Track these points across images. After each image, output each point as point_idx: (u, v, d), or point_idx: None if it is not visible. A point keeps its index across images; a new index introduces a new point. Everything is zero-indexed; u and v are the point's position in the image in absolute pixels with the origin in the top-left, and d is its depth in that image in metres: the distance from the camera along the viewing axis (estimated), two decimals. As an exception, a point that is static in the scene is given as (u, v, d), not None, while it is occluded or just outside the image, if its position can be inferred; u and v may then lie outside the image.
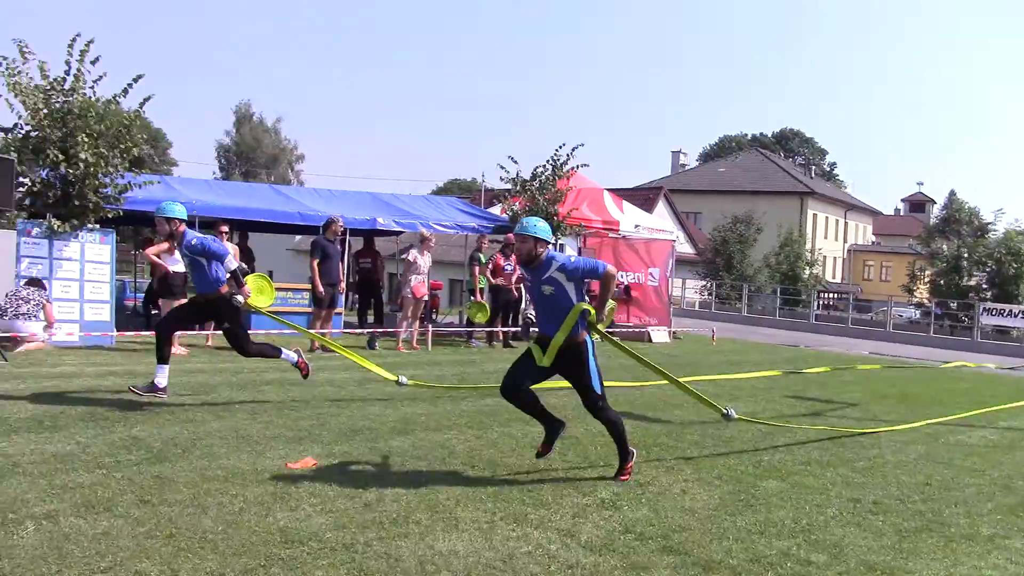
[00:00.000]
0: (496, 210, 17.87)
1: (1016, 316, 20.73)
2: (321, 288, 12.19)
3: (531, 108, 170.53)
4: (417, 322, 13.79)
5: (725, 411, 6.80)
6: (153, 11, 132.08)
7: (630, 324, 18.41)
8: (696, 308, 34.17)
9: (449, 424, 7.37)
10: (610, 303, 6.33)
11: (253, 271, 11.59)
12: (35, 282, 10.79)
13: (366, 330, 13.72)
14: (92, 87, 11.39)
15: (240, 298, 7.57)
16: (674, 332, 18.77)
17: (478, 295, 14.91)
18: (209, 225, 12.07)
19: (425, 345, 13.73)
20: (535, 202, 16.25)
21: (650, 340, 17.37)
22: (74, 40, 11.23)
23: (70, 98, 11.19)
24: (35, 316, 10.43)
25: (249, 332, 11.69)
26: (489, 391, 8.71)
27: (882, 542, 4.86)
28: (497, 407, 8.37)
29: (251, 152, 73.94)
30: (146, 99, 11.87)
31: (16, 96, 10.91)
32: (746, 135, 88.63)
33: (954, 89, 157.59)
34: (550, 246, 5.93)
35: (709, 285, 35.87)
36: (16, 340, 10.21)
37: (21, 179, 11.02)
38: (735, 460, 6.70)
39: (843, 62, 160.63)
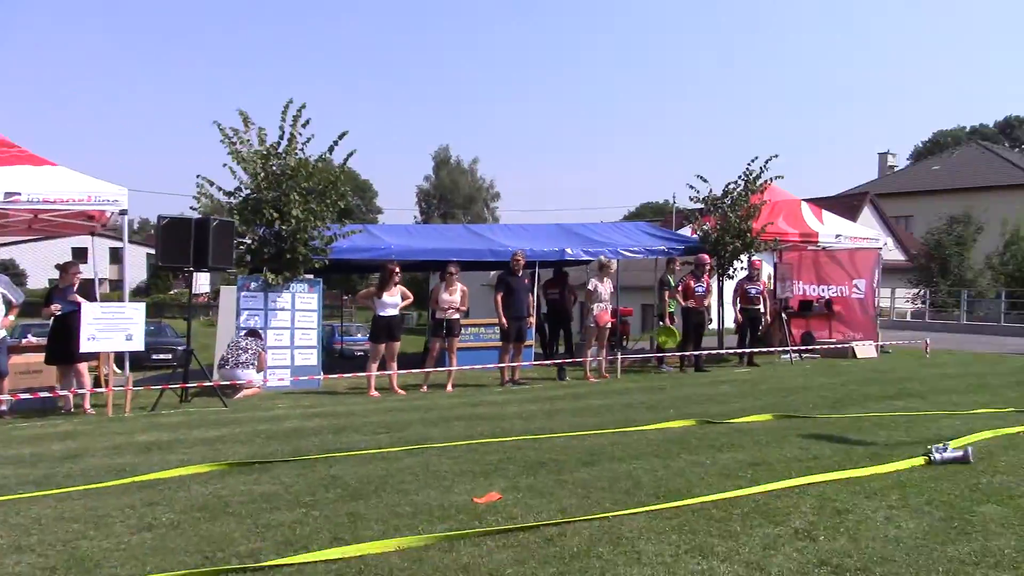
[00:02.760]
0: (686, 231, 17.59)
1: None
2: (505, 321, 12.44)
3: (722, 123, 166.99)
4: (605, 349, 13.75)
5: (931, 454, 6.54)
6: (356, 62, 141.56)
7: (832, 340, 17.44)
8: (908, 319, 31.82)
9: (636, 454, 7.26)
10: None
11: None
12: (253, 332, 11.76)
13: (555, 361, 13.85)
14: (303, 148, 12.36)
15: None
16: (882, 346, 17.55)
17: (667, 319, 14.68)
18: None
19: (615, 373, 13.65)
20: (727, 220, 15.85)
21: (855, 356, 16.34)
22: (287, 105, 12.26)
23: (284, 160, 12.18)
24: (252, 364, 11.36)
25: (452, 368, 12.21)
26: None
27: (1125, 576, 4.27)
28: (685, 434, 8.18)
29: (449, 194, 77.20)
30: (350, 154, 12.71)
31: (238, 163, 12.03)
32: (964, 128, 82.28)
33: None
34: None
35: (922, 293, 33.32)
36: (235, 387, 11.16)
37: (241, 239, 12.10)
38: (948, 484, 6.13)
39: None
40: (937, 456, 6.29)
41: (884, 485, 6.09)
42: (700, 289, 14.59)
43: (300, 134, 12.28)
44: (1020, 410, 9.70)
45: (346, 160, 12.63)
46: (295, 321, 12.30)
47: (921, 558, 4.52)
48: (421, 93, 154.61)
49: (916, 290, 34.72)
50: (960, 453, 6.30)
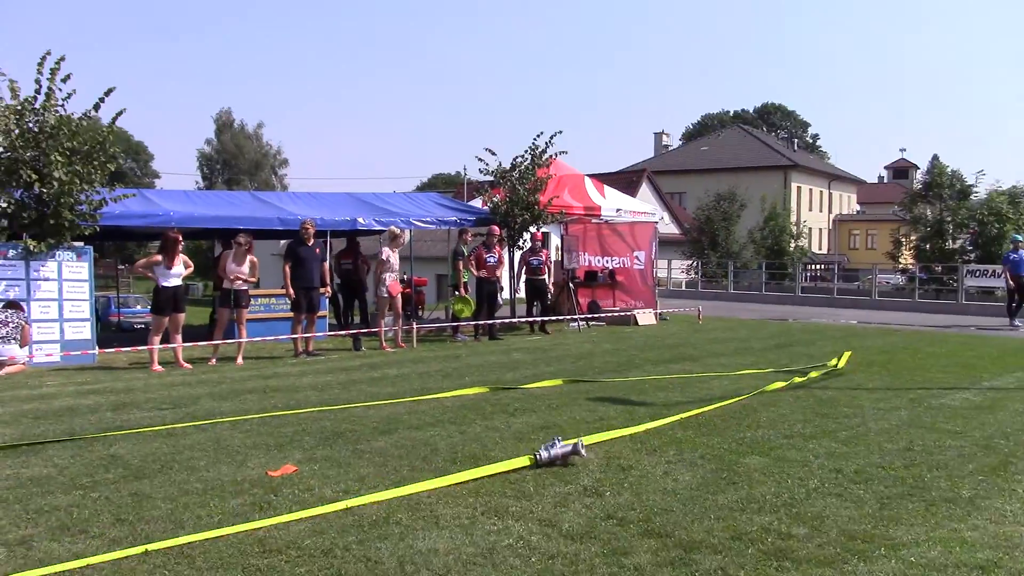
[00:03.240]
0: (477, 203, 17.83)
1: (999, 276, 20.79)
2: (292, 292, 12.13)
3: (513, 99, 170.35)
4: (399, 319, 13.75)
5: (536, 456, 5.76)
6: (128, 23, 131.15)
7: (616, 308, 18.41)
8: (683, 288, 34.17)
9: (432, 421, 7.34)
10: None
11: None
12: (12, 304, 10.71)
13: (350, 332, 13.67)
14: (63, 104, 11.30)
15: None
16: (660, 314, 18.78)
17: (462, 289, 14.89)
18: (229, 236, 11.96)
19: (410, 342, 13.69)
20: (515, 192, 16.22)
21: (636, 323, 17.36)
22: (44, 58, 11.14)
23: (42, 116, 11.09)
24: (14, 339, 10.36)
25: (242, 340, 11.72)
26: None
27: (863, 511, 4.86)
28: (480, 401, 8.37)
29: (233, 159, 73.59)
30: (119, 113, 11.81)
31: (-13, 118, 10.82)
32: (728, 112, 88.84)
33: (935, 51, 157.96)
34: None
35: (695, 264, 35.87)
36: (-3, 364, 10.16)
37: (-6, 202, 10.93)
38: (718, 439, 6.69)
39: (822, 33, 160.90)
40: (544, 454, 5.70)
41: (663, 442, 6.55)
42: (492, 259, 14.89)
43: (59, 89, 11.23)
44: (778, 369, 10.73)
45: (115, 119, 11.72)
46: (63, 292, 11.32)
47: (696, 507, 4.91)
48: (201, 52, 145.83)
49: (689, 262, 37.27)
50: (569, 448, 5.78)
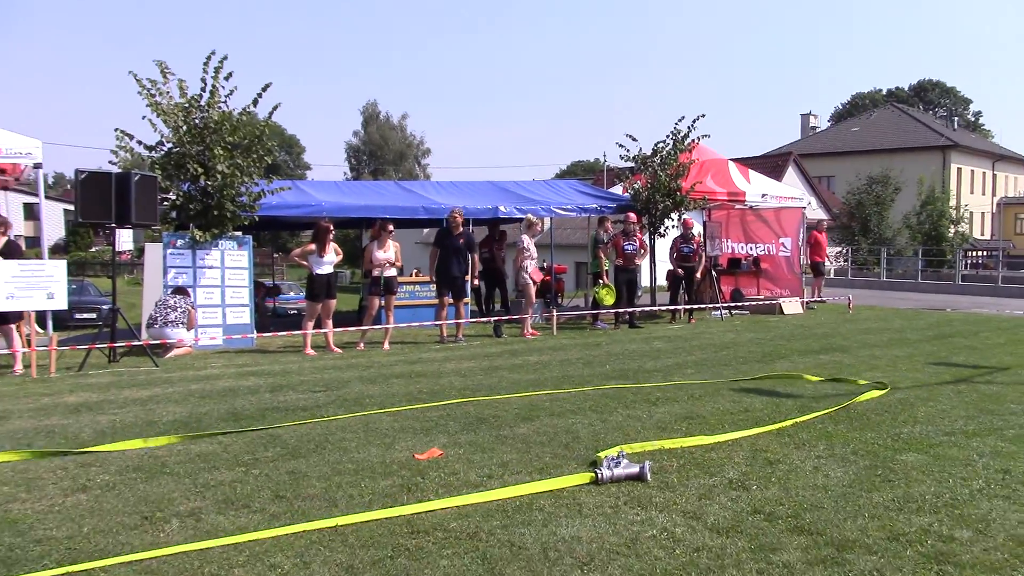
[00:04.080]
0: (618, 189, 17.69)
1: None
2: (435, 279, 12.53)
3: (653, 84, 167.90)
4: (531, 307, 13.78)
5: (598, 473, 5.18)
6: (278, 17, 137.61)
7: (760, 297, 17.87)
8: (832, 276, 32.72)
9: (574, 409, 7.35)
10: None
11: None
12: (181, 290, 11.46)
13: (492, 319, 13.87)
14: (225, 101, 11.98)
15: None
16: (807, 302, 18.07)
17: (604, 277, 14.82)
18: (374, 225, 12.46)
19: (551, 330, 13.75)
20: (657, 178, 15.99)
21: (782, 312, 16.78)
22: (209, 57, 11.83)
23: (207, 113, 11.80)
24: (182, 323, 11.09)
25: (389, 326, 12.16)
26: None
27: (1035, 516, 4.52)
28: (622, 390, 8.31)
29: (379, 150, 75.96)
30: (275, 107, 12.38)
31: (158, 116, 11.60)
32: (881, 91, 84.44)
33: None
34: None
35: (845, 251, 34.31)
36: (166, 346, 10.90)
37: (164, 194, 11.71)
38: (872, 434, 6.38)
39: (982, 1, 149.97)
40: (607, 473, 5.13)
41: (812, 436, 6.31)
42: (630, 247, 14.72)
43: (223, 86, 11.89)
44: (940, 362, 10.13)
45: (271, 113, 12.31)
46: (225, 279, 12.03)
47: (848, 504, 4.70)
48: (349, 46, 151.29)
49: (839, 248, 35.74)
50: (636, 469, 5.18)
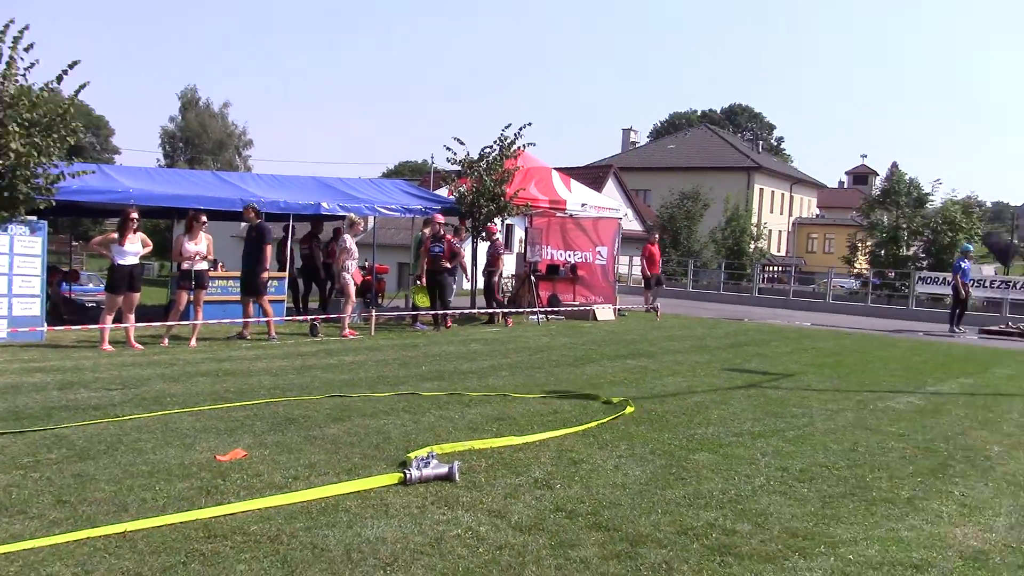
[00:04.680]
0: (444, 192, 17.76)
1: (949, 284, 21.22)
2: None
3: (482, 89, 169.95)
4: (350, 306, 13.57)
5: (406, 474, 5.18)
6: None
7: (576, 303, 18.48)
8: (643, 285, 34.34)
9: (387, 410, 7.31)
10: None
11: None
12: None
13: (308, 317, 13.54)
14: (24, 74, 11.02)
15: None
16: (619, 310, 18.88)
17: (422, 278, 14.82)
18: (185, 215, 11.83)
19: (368, 330, 13.61)
20: (482, 183, 16.17)
21: (595, 318, 17.44)
22: (7, 26, 10.85)
23: (1, 86, 10.81)
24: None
25: (197, 322, 11.58)
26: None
27: (806, 509, 4.94)
28: (437, 392, 8.35)
29: (197, 138, 72.42)
30: (82, 86, 11.54)
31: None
32: (696, 111, 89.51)
33: (901, 58, 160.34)
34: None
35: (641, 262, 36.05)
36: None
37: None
38: (670, 435, 6.76)
39: (790, 37, 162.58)
40: (415, 473, 5.13)
41: (615, 436, 6.60)
42: (437, 249, 14.62)
43: (21, 58, 10.95)
44: (734, 368, 10.86)
45: (77, 92, 11.45)
46: (13, 267, 11.06)
47: (644, 501, 4.96)
48: (168, 27, 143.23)
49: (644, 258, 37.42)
50: (445, 469, 5.21)
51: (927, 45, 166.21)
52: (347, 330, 13.14)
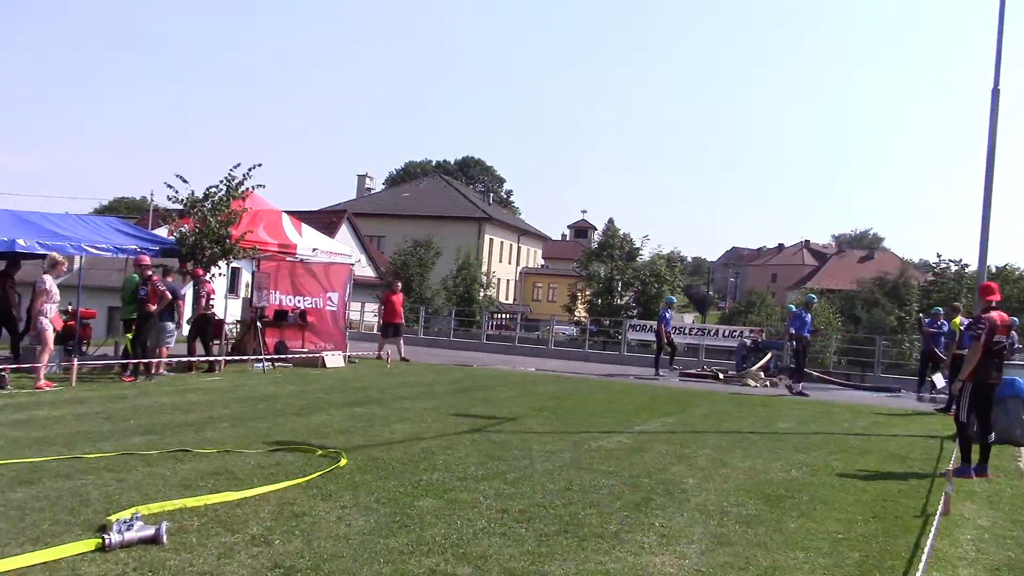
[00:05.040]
0: (163, 231, 16.68)
1: (652, 331, 23.25)
2: None
3: (210, 128, 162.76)
4: (47, 353, 12.27)
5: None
6: None
7: (305, 350, 18.06)
8: (375, 332, 34.30)
9: (85, 469, 6.67)
10: None
11: None
12: None
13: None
14: None
15: None
16: (349, 356, 18.70)
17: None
18: None
19: (69, 381, 12.36)
20: (206, 223, 15.40)
21: (324, 365, 17.13)
22: None
23: None
24: None
25: None
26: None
27: (523, 548, 5.14)
28: (147, 446, 7.75)
29: None
30: None
31: None
32: (431, 161, 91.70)
33: (620, 122, 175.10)
34: None
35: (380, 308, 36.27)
36: None
37: None
38: (396, 482, 6.76)
39: (519, 93, 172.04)
40: (116, 538, 4.72)
41: (339, 487, 6.49)
42: (142, 292, 13.70)
43: None
44: (461, 414, 11.10)
45: None
46: None
47: (366, 552, 4.91)
48: None
49: (383, 306, 37.56)
50: (151, 532, 4.84)
51: (638, 113, 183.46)
52: (43, 381, 11.84)
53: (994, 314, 8.61)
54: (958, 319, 14.36)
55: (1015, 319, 10.79)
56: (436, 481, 6.90)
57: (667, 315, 20.81)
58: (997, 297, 8.88)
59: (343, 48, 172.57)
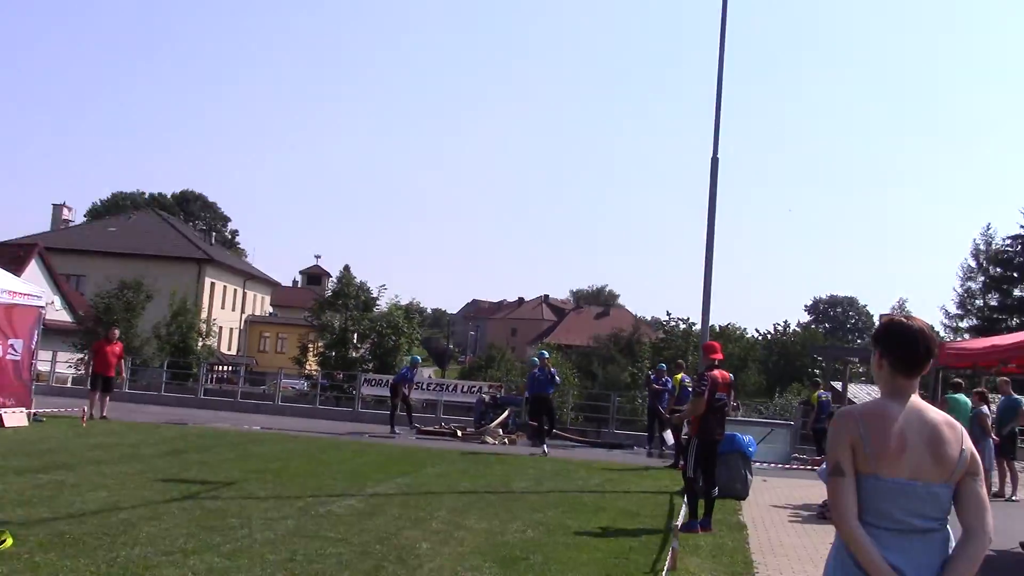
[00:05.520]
0: None
1: (387, 385, 23.30)
2: None
3: None
4: None
5: None
6: None
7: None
8: (69, 385, 31.47)
9: None
10: None
11: None
12: None
13: None
14: None
15: None
16: (34, 414, 16.96)
17: None
18: None
19: None
20: None
21: (2, 424, 15.41)
22: None
23: None
24: None
25: None
26: None
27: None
28: None
29: None
30: None
31: None
32: (144, 193, 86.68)
33: (359, 162, 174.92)
34: None
35: (88, 358, 33.40)
36: None
37: None
38: (87, 560, 6.18)
39: (252, 123, 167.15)
40: None
41: (13, 570, 5.83)
42: None
43: None
44: (171, 479, 10.40)
45: None
46: None
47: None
48: None
49: (81, 355, 34.57)
50: None
51: (376, 159, 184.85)
52: None
53: (716, 372, 9.55)
54: (679, 376, 15.78)
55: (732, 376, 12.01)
56: (137, 557, 6.40)
57: (408, 375, 21.17)
58: (719, 356, 9.86)
59: (28, 47, 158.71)
